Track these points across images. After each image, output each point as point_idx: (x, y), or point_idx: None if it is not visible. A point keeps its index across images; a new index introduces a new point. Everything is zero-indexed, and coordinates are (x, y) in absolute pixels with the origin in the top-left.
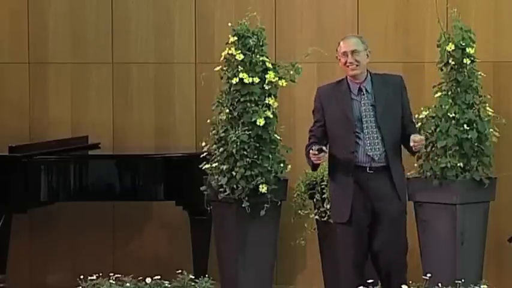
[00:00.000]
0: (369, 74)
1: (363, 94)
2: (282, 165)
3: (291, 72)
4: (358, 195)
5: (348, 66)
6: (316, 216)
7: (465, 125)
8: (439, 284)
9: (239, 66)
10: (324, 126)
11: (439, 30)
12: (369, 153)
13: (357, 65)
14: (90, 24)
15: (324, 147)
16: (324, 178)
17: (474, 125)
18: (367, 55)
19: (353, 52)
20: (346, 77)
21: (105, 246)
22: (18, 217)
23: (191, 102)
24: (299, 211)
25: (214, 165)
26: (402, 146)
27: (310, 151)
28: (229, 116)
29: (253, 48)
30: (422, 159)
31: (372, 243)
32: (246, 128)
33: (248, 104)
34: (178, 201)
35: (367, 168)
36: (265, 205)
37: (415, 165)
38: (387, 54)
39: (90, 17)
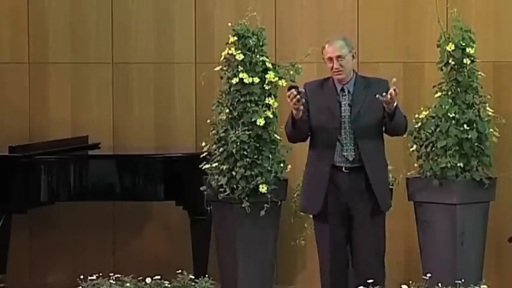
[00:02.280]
0: (354, 76)
1: (344, 95)
2: (282, 165)
3: (291, 72)
4: (334, 193)
5: (333, 72)
6: None
7: (465, 125)
8: (439, 284)
9: (239, 66)
10: (307, 113)
11: (439, 30)
12: (344, 153)
13: (342, 70)
14: (90, 24)
15: (300, 88)
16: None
17: (474, 125)
18: (353, 56)
19: (338, 57)
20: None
21: (105, 246)
22: (18, 217)
23: (191, 102)
24: (299, 211)
25: (214, 165)
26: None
27: (288, 93)
28: (229, 116)
29: (253, 48)
30: (423, 159)
31: (350, 245)
32: (246, 128)
33: (248, 104)
34: (178, 201)
35: (343, 168)
36: (265, 205)
37: (415, 165)
38: (387, 54)
39: (90, 17)
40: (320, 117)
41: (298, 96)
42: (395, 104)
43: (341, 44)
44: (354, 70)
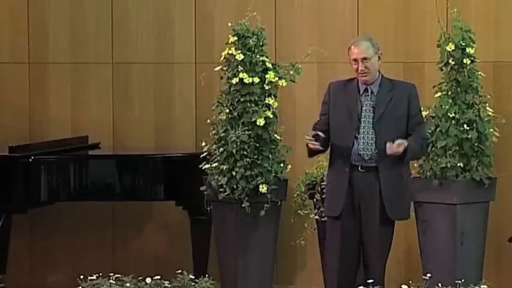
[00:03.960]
0: (380, 77)
1: (367, 95)
2: (282, 165)
3: (291, 72)
4: (350, 192)
5: (359, 74)
6: (316, 216)
7: (465, 125)
8: (439, 284)
9: (239, 66)
10: (328, 119)
11: (439, 30)
12: (360, 152)
13: (367, 72)
14: (90, 24)
15: (320, 133)
16: (324, 178)
17: (474, 125)
18: (379, 57)
19: (363, 59)
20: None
21: (105, 246)
22: (18, 217)
23: (191, 102)
24: (299, 211)
25: (214, 165)
26: None
27: (306, 136)
28: (229, 116)
29: (253, 48)
30: (422, 159)
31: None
32: (246, 128)
33: (248, 104)
34: (178, 201)
35: (359, 167)
36: (265, 205)
37: (415, 165)
38: (387, 54)
39: (90, 17)
40: (339, 117)
41: (313, 147)
42: (401, 150)
43: (367, 45)
44: (379, 71)
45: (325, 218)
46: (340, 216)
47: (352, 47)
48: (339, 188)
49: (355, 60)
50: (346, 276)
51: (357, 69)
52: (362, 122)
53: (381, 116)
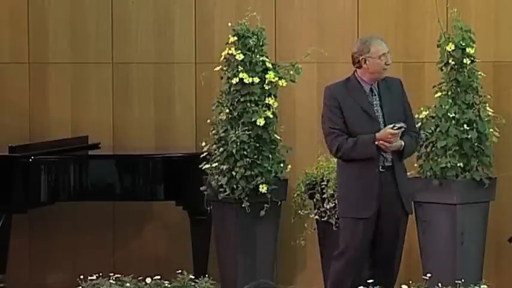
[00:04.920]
0: None
1: (374, 95)
2: (282, 165)
3: (291, 72)
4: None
5: (383, 68)
6: (316, 216)
7: (465, 125)
8: (439, 284)
9: (239, 66)
10: (343, 118)
11: (439, 30)
12: (381, 153)
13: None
14: (90, 24)
15: (403, 124)
16: (324, 178)
17: (474, 125)
18: None
19: (389, 53)
20: (355, 76)
21: (105, 246)
22: (18, 217)
23: (191, 102)
24: (299, 211)
25: (214, 165)
26: None
27: (384, 132)
28: (229, 116)
29: (253, 48)
30: (422, 159)
31: (373, 243)
32: (246, 128)
33: (248, 104)
34: (178, 201)
35: (380, 167)
36: (265, 205)
37: (415, 165)
38: None
39: (90, 17)
40: (357, 119)
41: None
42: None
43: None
44: None
45: (325, 219)
46: (362, 217)
47: (377, 44)
48: (369, 189)
49: (385, 55)
50: (358, 276)
51: (385, 63)
52: (378, 123)
53: (389, 114)
